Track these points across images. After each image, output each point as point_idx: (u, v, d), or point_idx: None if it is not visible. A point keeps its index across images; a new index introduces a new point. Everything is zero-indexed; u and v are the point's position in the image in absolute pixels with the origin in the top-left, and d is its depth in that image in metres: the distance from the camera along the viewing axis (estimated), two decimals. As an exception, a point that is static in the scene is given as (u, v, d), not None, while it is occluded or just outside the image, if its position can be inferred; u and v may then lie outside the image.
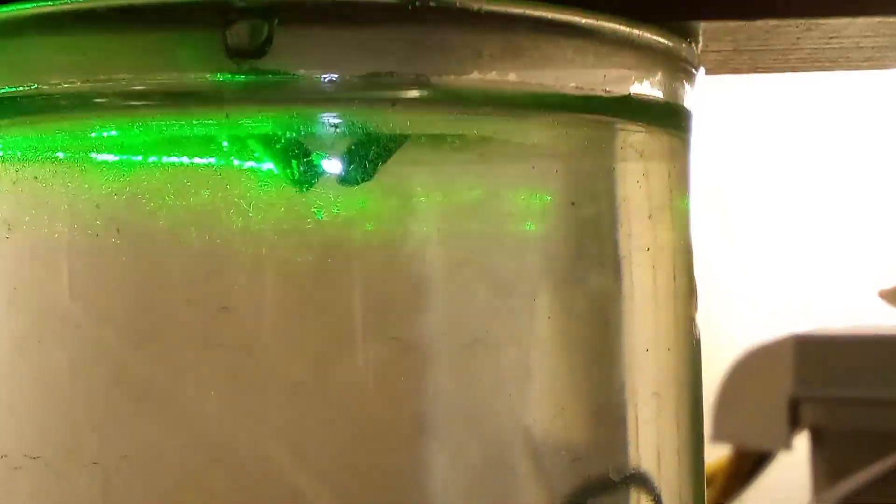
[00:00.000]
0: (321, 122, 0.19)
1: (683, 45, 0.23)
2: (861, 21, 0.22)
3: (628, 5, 0.21)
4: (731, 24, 0.22)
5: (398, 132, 0.20)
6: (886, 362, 0.64)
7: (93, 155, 0.20)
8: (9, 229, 0.20)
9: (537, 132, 0.21)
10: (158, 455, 0.19)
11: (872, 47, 0.24)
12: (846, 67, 0.27)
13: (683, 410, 0.23)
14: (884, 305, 0.68)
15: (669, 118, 0.23)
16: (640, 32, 0.21)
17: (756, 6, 0.22)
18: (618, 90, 0.21)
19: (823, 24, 0.23)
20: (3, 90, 0.20)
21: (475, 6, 0.19)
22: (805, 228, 0.95)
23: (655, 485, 0.22)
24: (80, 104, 0.19)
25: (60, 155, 0.20)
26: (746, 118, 0.94)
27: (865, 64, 0.26)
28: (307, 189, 0.19)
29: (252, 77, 0.19)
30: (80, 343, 0.20)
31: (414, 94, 0.19)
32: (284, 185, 0.19)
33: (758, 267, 0.95)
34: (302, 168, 0.19)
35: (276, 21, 0.19)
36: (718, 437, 0.68)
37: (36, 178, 0.20)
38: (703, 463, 0.24)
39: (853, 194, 0.95)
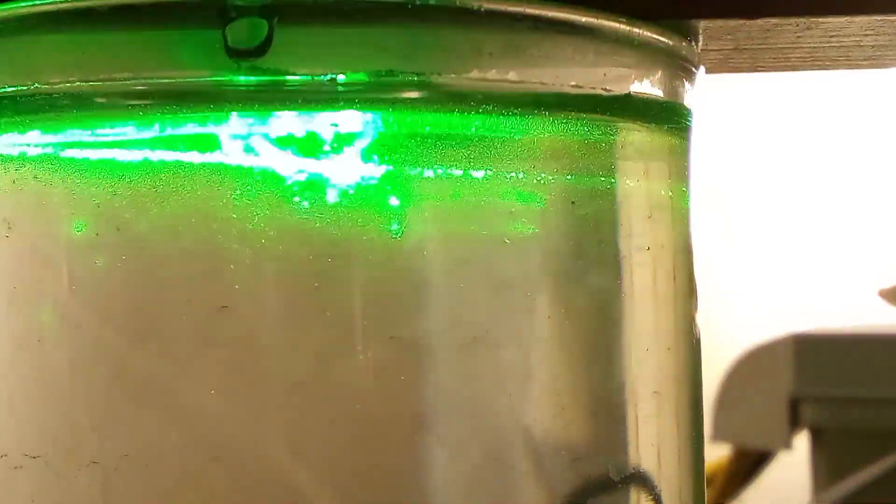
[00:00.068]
0: (321, 121, 0.19)
1: (683, 43, 0.23)
2: (861, 20, 0.22)
3: (628, 4, 0.21)
4: (732, 22, 0.22)
5: (398, 131, 0.20)
6: (886, 362, 0.64)
7: (93, 154, 0.19)
8: (9, 229, 0.20)
9: (537, 131, 0.21)
10: (158, 454, 0.19)
11: (873, 46, 0.24)
12: (846, 66, 0.27)
13: (683, 410, 0.23)
14: (884, 305, 0.68)
15: (669, 117, 0.23)
16: (641, 31, 0.21)
17: (756, 5, 0.22)
18: (618, 89, 0.21)
19: (823, 23, 0.23)
20: (2, 89, 0.20)
21: (475, 4, 0.19)
22: (805, 228, 0.95)
23: (655, 484, 0.22)
24: (79, 103, 0.19)
25: (60, 154, 0.20)
26: (746, 118, 0.94)
27: (865, 63, 0.26)
28: (307, 188, 0.19)
29: (252, 76, 0.19)
30: (80, 342, 0.20)
31: (414, 92, 0.19)
32: (285, 184, 0.19)
33: (758, 267, 0.95)
34: (302, 167, 0.19)
35: (276, 20, 0.19)
36: (718, 437, 0.68)
37: (36, 178, 0.20)
38: (703, 462, 0.24)
39: (853, 194, 0.95)
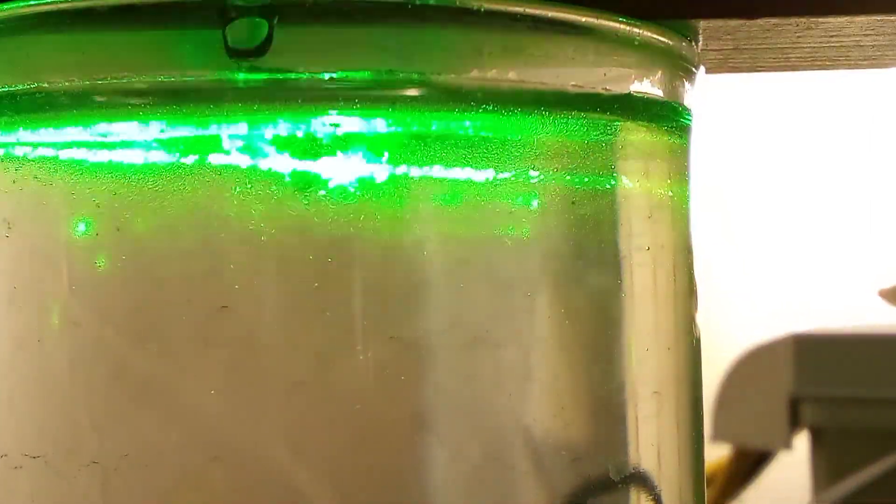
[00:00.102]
0: (321, 121, 0.19)
1: (683, 43, 0.23)
2: (861, 20, 0.22)
3: (628, 4, 0.21)
4: (731, 22, 0.22)
5: (398, 131, 0.20)
6: (886, 362, 0.64)
7: (93, 154, 0.19)
8: (9, 229, 0.20)
9: (537, 131, 0.21)
10: (158, 454, 0.19)
11: (873, 46, 0.24)
12: (846, 66, 0.27)
13: (683, 410, 0.23)
14: (884, 305, 0.69)
15: (670, 117, 0.23)
16: (641, 31, 0.21)
17: (756, 5, 0.22)
18: (618, 89, 0.21)
19: (823, 23, 0.23)
20: (2, 88, 0.20)
21: (475, 4, 0.19)
22: (805, 228, 0.95)
23: (655, 484, 0.22)
24: (79, 102, 0.19)
25: (60, 154, 0.20)
26: (746, 118, 0.94)
27: (865, 63, 0.26)
28: (307, 188, 0.19)
29: (252, 76, 0.19)
30: (80, 342, 0.20)
31: (414, 92, 0.19)
32: (285, 183, 0.19)
33: (758, 267, 0.95)
34: (302, 167, 0.19)
35: (276, 19, 0.19)
36: (718, 437, 0.68)
37: (36, 177, 0.20)
38: (703, 463, 0.24)
39: (853, 194, 0.95)
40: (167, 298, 0.19)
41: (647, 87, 0.22)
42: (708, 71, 0.24)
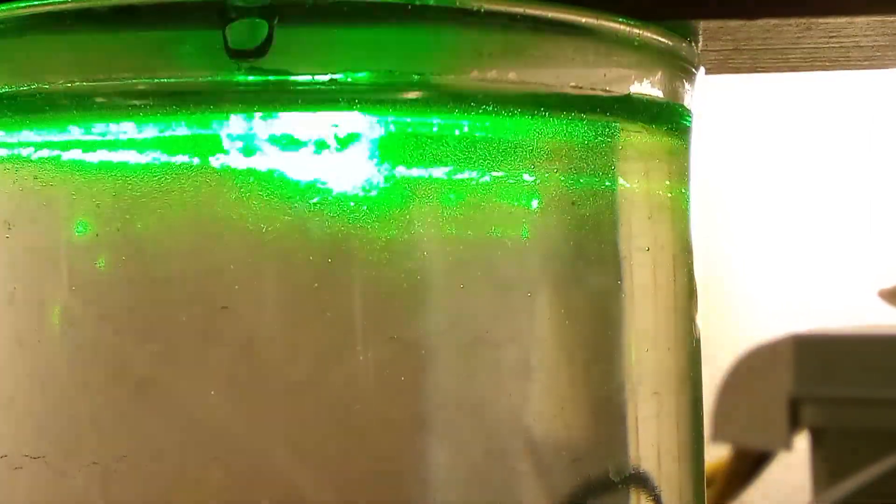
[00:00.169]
0: (321, 121, 0.19)
1: (683, 44, 0.23)
2: (861, 20, 0.22)
3: (628, 4, 0.21)
4: (731, 23, 0.22)
5: (398, 132, 0.20)
6: (886, 362, 0.64)
7: (93, 154, 0.19)
8: (9, 229, 0.20)
9: (537, 131, 0.21)
10: (158, 454, 0.19)
11: (872, 46, 0.24)
12: (846, 67, 0.27)
13: (683, 410, 0.23)
14: (884, 305, 0.69)
15: (669, 117, 0.23)
16: (641, 32, 0.21)
17: (756, 5, 0.22)
18: (618, 89, 0.21)
19: (823, 24, 0.23)
20: (2, 89, 0.20)
21: (475, 5, 0.19)
22: (805, 228, 0.95)
23: (655, 484, 0.22)
24: (80, 103, 0.19)
25: (60, 155, 0.20)
26: (746, 118, 0.94)
27: (865, 63, 0.26)
28: (308, 188, 0.19)
29: (252, 76, 0.19)
30: (81, 342, 0.20)
31: (414, 93, 0.19)
32: (285, 184, 0.19)
33: (758, 267, 0.95)
34: (302, 167, 0.19)
35: (277, 20, 0.19)
36: (718, 437, 0.68)
37: (36, 177, 0.20)
38: (703, 463, 0.24)
39: (853, 194, 0.95)
40: (167, 299, 0.19)
41: (647, 87, 0.22)
42: (708, 72, 0.24)
